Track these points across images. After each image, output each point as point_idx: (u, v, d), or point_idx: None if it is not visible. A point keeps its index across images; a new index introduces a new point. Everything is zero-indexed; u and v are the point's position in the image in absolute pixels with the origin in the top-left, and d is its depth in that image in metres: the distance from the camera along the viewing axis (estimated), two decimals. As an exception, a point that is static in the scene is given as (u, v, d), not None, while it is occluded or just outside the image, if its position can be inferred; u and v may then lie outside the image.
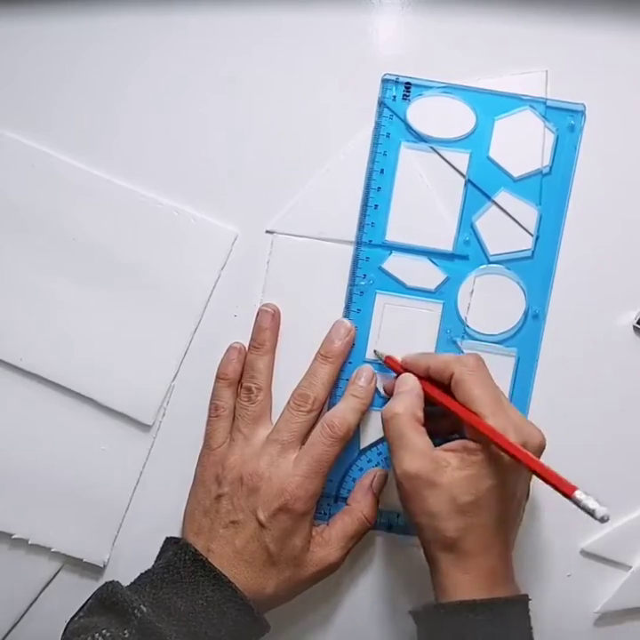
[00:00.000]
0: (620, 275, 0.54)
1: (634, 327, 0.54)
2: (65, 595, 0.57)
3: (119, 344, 0.55)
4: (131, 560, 0.55)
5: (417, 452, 0.46)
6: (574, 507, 0.51)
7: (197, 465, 0.54)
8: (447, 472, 0.45)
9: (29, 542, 0.56)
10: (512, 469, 0.45)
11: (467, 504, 0.44)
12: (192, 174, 0.55)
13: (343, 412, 0.51)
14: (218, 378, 0.54)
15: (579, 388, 0.55)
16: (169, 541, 0.52)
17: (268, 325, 0.54)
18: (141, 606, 0.45)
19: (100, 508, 0.56)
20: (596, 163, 0.54)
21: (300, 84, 0.54)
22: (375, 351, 0.54)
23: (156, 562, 0.51)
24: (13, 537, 0.56)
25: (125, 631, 0.44)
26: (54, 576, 0.57)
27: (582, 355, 0.55)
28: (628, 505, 0.55)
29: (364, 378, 0.53)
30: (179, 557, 0.49)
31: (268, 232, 0.55)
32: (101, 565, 0.56)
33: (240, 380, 0.54)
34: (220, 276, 0.55)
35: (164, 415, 0.56)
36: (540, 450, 0.46)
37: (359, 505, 0.53)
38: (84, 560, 0.56)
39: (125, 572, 0.51)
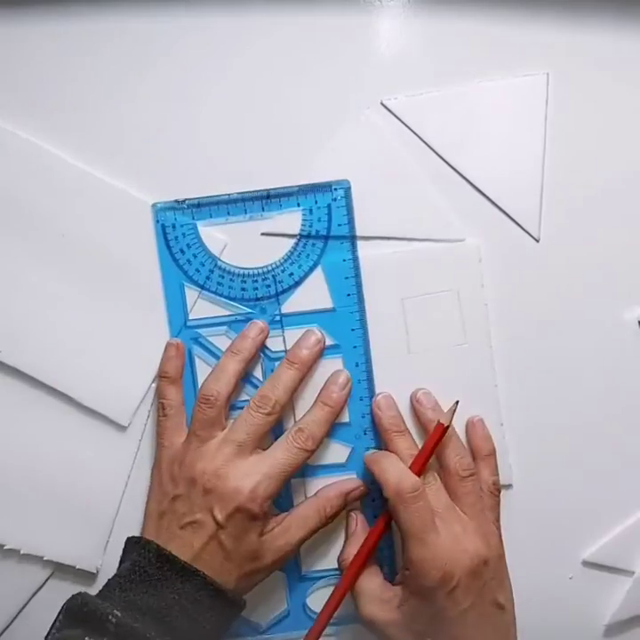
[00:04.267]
0: (625, 269, 0.54)
1: (638, 322, 0.53)
2: (58, 601, 0.54)
3: (100, 342, 0.55)
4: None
5: (371, 597, 0.50)
6: (572, 517, 0.54)
7: (154, 465, 0.53)
8: (397, 610, 0.49)
9: (21, 552, 0.55)
10: (442, 586, 0.47)
11: (421, 632, 0.48)
12: (185, 178, 0.54)
13: (315, 424, 0.51)
14: (160, 376, 0.54)
15: (581, 384, 0.54)
16: (130, 542, 0.51)
17: (254, 333, 0.53)
18: (114, 611, 0.44)
19: (90, 514, 0.55)
20: (601, 163, 0.54)
21: (299, 84, 0.54)
22: None
23: (120, 565, 0.50)
24: (5, 548, 0.55)
25: (104, 639, 0.43)
26: (45, 582, 0.56)
27: (587, 350, 0.54)
28: (626, 509, 0.54)
29: (339, 384, 0.52)
30: (143, 556, 0.48)
31: (263, 234, 0.54)
32: (94, 571, 0.55)
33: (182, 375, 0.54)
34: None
35: (148, 418, 0.55)
36: (471, 571, 0.48)
37: (328, 502, 0.52)
38: (77, 567, 0.55)
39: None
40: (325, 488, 0.53)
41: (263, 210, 0.53)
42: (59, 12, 0.54)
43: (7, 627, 0.56)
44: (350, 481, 0.54)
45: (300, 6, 0.53)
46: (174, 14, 0.54)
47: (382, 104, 0.53)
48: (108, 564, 0.55)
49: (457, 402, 0.50)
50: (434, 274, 0.53)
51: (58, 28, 0.54)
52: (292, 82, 0.54)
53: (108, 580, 0.49)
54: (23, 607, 0.56)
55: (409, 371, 0.52)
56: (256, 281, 0.53)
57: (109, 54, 0.54)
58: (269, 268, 0.53)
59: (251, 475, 0.49)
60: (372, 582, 0.50)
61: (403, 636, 0.48)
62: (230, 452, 0.50)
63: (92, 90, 0.54)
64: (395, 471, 0.49)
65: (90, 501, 0.55)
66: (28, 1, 0.54)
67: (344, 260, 0.53)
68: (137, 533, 0.53)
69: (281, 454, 0.50)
